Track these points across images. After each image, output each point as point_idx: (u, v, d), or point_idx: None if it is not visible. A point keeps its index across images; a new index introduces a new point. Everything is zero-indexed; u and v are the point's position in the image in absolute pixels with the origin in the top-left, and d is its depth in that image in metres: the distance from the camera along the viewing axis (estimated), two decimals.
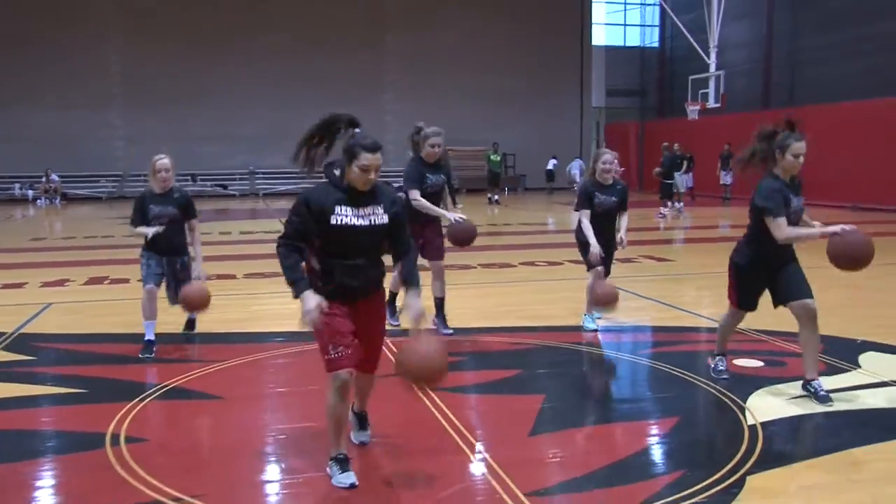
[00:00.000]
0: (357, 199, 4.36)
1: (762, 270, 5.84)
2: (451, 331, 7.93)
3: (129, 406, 5.73)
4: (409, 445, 5.07)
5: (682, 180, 24.51)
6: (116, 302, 10.15)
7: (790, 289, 5.73)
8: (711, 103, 30.82)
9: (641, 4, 44.00)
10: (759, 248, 5.78)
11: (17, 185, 33.59)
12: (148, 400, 5.91)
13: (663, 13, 39.55)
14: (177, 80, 34.83)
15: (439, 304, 7.98)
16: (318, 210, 4.28)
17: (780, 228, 5.49)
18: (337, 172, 4.40)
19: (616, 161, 8.07)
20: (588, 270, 7.98)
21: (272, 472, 4.71)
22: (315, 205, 4.28)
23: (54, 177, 32.88)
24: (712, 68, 31.56)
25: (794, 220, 5.63)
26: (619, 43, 43.72)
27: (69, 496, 4.36)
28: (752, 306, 6.06)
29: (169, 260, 7.43)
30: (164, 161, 7.35)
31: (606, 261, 8.02)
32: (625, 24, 43.98)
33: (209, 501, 4.24)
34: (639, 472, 4.58)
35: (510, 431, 5.23)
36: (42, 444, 5.23)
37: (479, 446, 4.89)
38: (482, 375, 6.68)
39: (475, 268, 12.43)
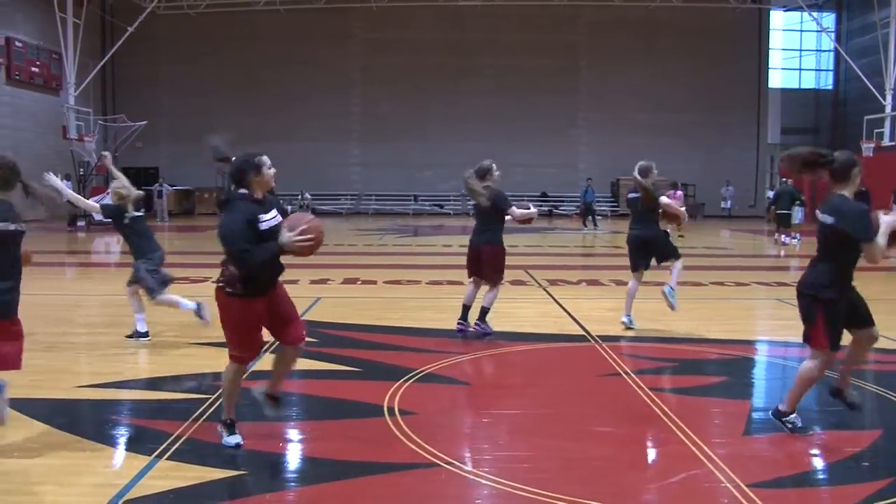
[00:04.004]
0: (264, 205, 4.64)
1: (844, 300, 4.78)
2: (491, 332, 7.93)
3: (396, 385, 6.07)
4: (634, 436, 5.15)
5: (797, 214, 22.80)
6: (369, 299, 10.69)
7: (861, 315, 4.87)
8: (886, 141, 29.06)
9: (817, 51, 41.88)
10: (844, 277, 4.76)
11: (279, 201, 35.67)
12: (411, 381, 6.24)
13: (837, 58, 37.53)
14: (402, 117, 36.18)
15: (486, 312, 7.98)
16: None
17: (877, 250, 4.57)
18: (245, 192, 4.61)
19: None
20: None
21: (521, 446, 4.88)
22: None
23: (307, 195, 34.85)
24: (888, 109, 29.66)
25: None
26: (795, 85, 41.78)
27: (365, 452, 4.68)
28: (839, 345, 4.83)
29: None
30: None
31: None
32: (800, 69, 41.96)
33: (477, 466, 4.48)
34: (848, 476, 4.42)
35: (725, 430, 5.18)
36: (335, 408, 5.66)
37: (698, 441, 4.84)
38: (695, 380, 6.62)
39: None
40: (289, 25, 35.18)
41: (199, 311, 7.70)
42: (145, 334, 7.71)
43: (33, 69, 29.90)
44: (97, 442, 4.83)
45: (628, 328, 8.37)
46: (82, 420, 5.36)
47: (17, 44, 28.91)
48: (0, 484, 4.19)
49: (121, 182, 7.83)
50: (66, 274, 15.23)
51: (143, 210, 7.90)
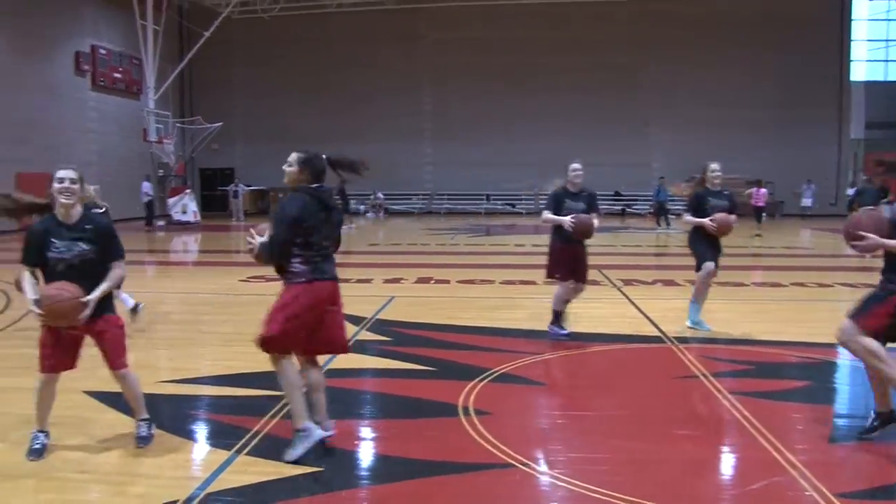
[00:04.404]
0: None
1: None
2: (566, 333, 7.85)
3: (471, 385, 6.07)
4: (712, 440, 5.03)
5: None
6: (443, 298, 10.71)
7: None
8: None
9: None
10: None
11: (353, 201, 36.10)
12: (485, 381, 6.22)
13: None
14: (473, 116, 36.13)
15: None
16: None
17: None
18: None
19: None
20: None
21: (596, 448, 4.81)
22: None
23: (380, 195, 35.19)
24: None
25: None
26: (880, 77, 40.14)
27: (439, 452, 4.70)
28: None
29: None
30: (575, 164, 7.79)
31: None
32: (886, 60, 40.38)
33: (552, 467, 4.44)
34: None
35: (809, 436, 5.01)
36: (410, 407, 5.68)
37: (781, 446, 4.70)
38: (775, 384, 6.36)
39: (748, 286, 11.88)
40: (359, 27, 35.54)
41: (133, 309, 8.61)
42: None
43: (116, 75, 30.90)
44: (178, 436, 4.96)
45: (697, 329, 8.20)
46: (164, 414, 5.50)
47: (102, 51, 29.94)
48: (86, 475, 4.34)
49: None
50: (146, 272, 15.67)
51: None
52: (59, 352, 4.63)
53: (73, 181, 4.56)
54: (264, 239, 4.62)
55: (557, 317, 7.92)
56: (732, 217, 8.00)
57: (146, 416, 4.90)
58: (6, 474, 4.33)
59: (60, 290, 4.47)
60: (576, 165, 7.82)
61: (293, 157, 4.81)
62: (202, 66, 35.41)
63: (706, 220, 7.96)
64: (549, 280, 8.19)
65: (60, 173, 4.56)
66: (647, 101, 35.85)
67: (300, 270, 4.65)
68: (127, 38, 30.57)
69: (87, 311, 4.49)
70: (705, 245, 8.13)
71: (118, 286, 4.65)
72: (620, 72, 35.41)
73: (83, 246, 4.56)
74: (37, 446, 4.63)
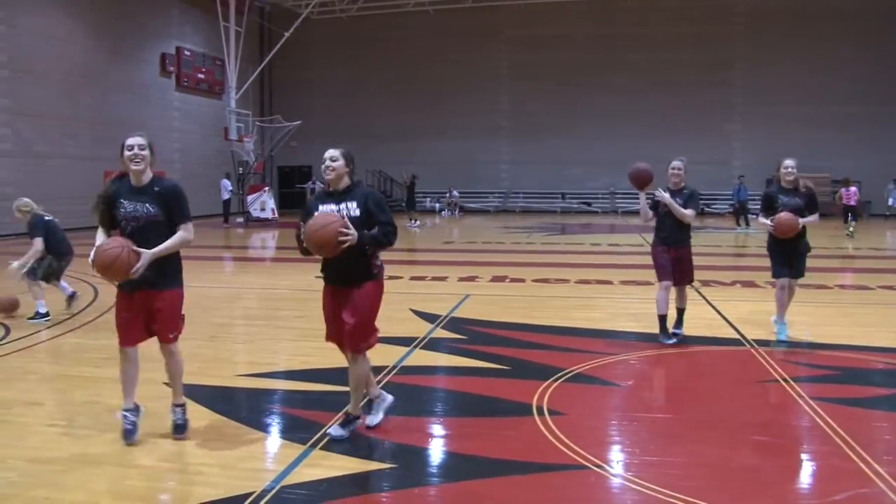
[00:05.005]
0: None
1: None
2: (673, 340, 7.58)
3: (545, 384, 6.03)
4: (793, 447, 4.89)
5: None
6: (517, 297, 10.66)
7: None
8: None
9: None
10: None
11: (428, 199, 36.32)
12: (560, 381, 6.17)
13: None
14: (550, 114, 35.89)
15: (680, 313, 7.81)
16: None
17: None
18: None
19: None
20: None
21: (672, 451, 4.72)
22: None
23: (455, 193, 35.31)
24: None
25: None
26: None
27: (512, 451, 4.67)
28: None
29: None
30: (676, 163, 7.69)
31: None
32: None
33: (626, 470, 4.38)
34: None
35: None
36: (484, 406, 5.67)
37: (867, 456, 4.53)
38: (860, 390, 6.15)
39: (832, 288, 11.47)
40: (437, 25, 35.69)
41: (69, 298, 9.28)
42: (45, 315, 8.83)
43: (199, 76, 31.82)
44: (255, 429, 5.06)
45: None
46: (241, 407, 5.63)
47: (186, 53, 30.88)
48: (165, 463, 4.47)
49: (22, 201, 9.02)
50: (225, 267, 16.05)
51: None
52: (127, 322, 4.74)
53: (141, 147, 4.70)
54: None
55: (662, 323, 7.64)
56: (794, 217, 7.51)
57: (183, 400, 4.98)
58: (91, 461, 4.49)
59: (112, 241, 4.61)
60: (676, 163, 7.68)
61: (336, 152, 4.86)
62: (282, 66, 36.12)
63: (767, 220, 7.71)
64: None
65: (130, 140, 4.71)
66: (730, 98, 35.06)
67: (381, 263, 4.77)
68: (210, 40, 31.44)
69: (141, 264, 4.54)
70: (779, 253, 7.78)
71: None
72: (704, 68, 34.71)
73: (149, 207, 4.68)
74: (127, 426, 4.77)
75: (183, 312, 4.93)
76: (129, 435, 4.74)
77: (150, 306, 4.75)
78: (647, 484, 4.13)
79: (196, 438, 4.85)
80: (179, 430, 4.87)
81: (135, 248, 4.55)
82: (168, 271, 4.77)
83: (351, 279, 4.76)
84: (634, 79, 35.00)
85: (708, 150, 33.98)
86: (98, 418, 5.22)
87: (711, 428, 5.14)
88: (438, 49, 36.30)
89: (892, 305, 10.24)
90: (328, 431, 4.86)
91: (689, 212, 7.50)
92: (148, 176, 4.75)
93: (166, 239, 4.70)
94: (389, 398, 5.17)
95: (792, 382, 6.13)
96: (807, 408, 5.48)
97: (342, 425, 4.89)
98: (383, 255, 4.92)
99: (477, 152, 36.54)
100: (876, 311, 9.74)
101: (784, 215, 7.54)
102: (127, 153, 4.67)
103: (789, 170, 7.74)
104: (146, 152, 4.71)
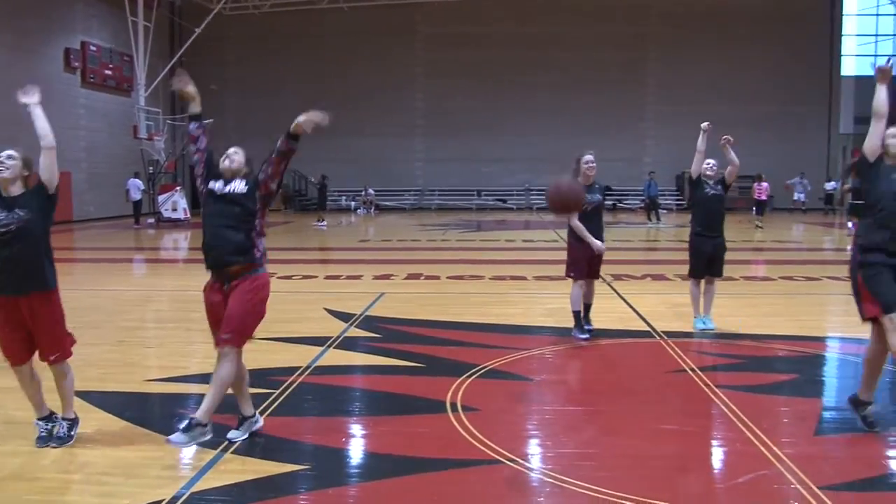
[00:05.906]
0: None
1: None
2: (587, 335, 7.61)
3: (459, 381, 6.03)
4: (700, 434, 5.02)
5: None
6: (432, 294, 10.67)
7: None
8: None
9: (894, 35, 40.27)
10: None
11: (343, 197, 36.06)
12: (473, 377, 6.18)
13: None
14: (467, 112, 36.06)
15: (587, 308, 7.87)
16: None
17: None
18: None
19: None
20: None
21: (585, 443, 4.79)
22: None
23: (370, 191, 35.12)
24: None
25: None
26: (870, 72, 40.09)
27: (427, 448, 4.66)
28: None
29: None
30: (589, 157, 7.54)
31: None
32: (875, 55, 40.39)
33: (541, 463, 4.42)
34: None
35: (795, 429, 5.00)
36: (398, 404, 5.64)
37: (767, 440, 4.69)
38: (763, 377, 6.38)
39: (738, 280, 11.82)
40: (352, 22, 35.36)
41: None
42: None
43: (106, 72, 30.73)
44: (164, 435, 4.91)
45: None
46: (151, 413, 5.47)
47: (92, 48, 29.77)
48: (73, 474, 4.30)
49: None
50: (135, 269, 15.59)
51: None
52: (9, 340, 4.54)
53: (10, 157, 4.73)
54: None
55: (578, 319, 7.64)
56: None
57: (73, 415, 4.80)
58: None
59: None
60: (588, 157, 7.59)
61: (240, 150, 5.32)
62: (194, 63, 35.14)
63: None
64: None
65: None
66: (644, 97, 35.90)
67: (265, 249, 4.92)
68: (118, 34, 30.40)
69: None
70: (701, 254, 7.94)
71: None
72: (619, 67, 35.45)
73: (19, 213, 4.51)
74: (42, 434, 4.67)
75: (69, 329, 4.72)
76: (41, 442, 4.63)
77: (24, 309, 4.49)
78: (562, 477, 4.17)
79: (102, 447, 4.67)
80: (60, 441, 4.68)
81: None
82: (40, 270, 4.53)
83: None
84: (550, 77, 35.48)
85: (623, 148, 34.70)
86: None
87: (623, 419, 5.24)
88: (353, 47, 36.02)
89: (793, 295, 10.65)
90: (227, 436, 4.75)
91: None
92: (18, 189, 4.64)
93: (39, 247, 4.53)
94: (261, 422, 4.93)
95: (699, 372, 6.30)
96: (713, 396, 5.64)
97: (238, 427, 4.81)
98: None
99: (392, 150, 36.44)
100: (777, 301, 10.11)
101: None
102: None
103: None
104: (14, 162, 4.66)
